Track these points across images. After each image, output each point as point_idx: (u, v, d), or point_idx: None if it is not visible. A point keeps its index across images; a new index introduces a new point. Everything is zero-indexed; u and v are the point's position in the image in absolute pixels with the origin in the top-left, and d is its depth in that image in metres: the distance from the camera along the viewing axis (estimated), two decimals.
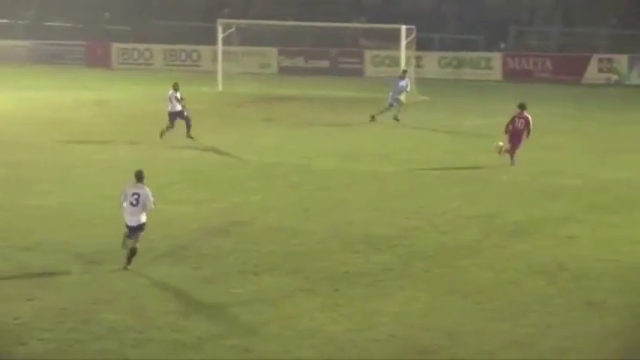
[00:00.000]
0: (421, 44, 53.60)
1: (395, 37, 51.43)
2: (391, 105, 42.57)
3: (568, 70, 56.43)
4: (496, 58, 58.29)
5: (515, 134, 34.33)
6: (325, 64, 59.73)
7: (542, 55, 58.23)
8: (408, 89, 43.58)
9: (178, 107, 38.75)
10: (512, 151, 34.16)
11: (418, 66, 53.98)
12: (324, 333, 18.85)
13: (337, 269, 22.65)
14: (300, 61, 59.83)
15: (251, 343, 18.42)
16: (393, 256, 23.71)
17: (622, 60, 56.04)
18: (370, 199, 29.14)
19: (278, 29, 58.64)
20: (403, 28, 50.92)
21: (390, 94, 42.66)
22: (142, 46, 63.10)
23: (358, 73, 58.66)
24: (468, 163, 34.38)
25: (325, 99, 49.59)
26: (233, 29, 53.92)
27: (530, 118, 34.38)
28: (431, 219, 27.00)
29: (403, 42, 50.72)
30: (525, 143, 34.23)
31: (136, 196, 22.66)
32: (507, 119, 34.25)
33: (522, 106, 34.79)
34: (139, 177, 23.01)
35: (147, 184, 22.94)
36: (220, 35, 53.55)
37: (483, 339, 18.61)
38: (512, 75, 57.25)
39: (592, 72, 56.26)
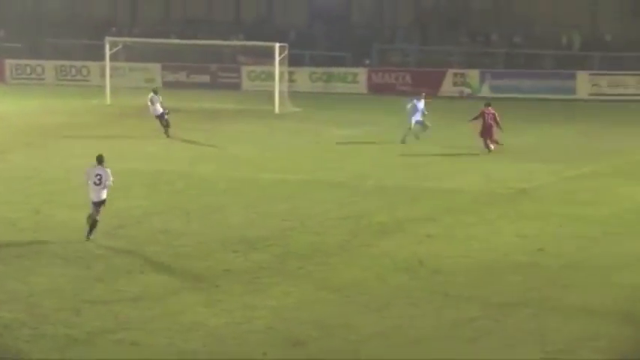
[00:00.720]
0: (293, 60, 53.70)
1: (269, 54, 51.49)
2: (415, 125, 40.34)
3: (426, 84, 56.80)
4: (362, 73, 58.64)
5: (487, 127, 37.84)
6: (206, 78, 59.49)
7: (403, 70, 58.75)
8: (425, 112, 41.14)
9: (160, 110, 41.27)
10: (485, 139, 37.82)
11: (291, 80, 54.10)
12: (206, 326, 18.80)
13: (218, 268, 22.61)
14: (182, 76, 59.48)
15: (138, 336, 18.28)
16: (269, 255, 23.74)
17: (474, 74, 56.79)
18: (248, 203, 29.13)
19: (162, 47, 58.23)
20: (277, 45, 51.00)
21: (410, 116, 40.41)
22: (34, 62, 62.16)
23: (236, 87, 58.54)
24: (337, 170, 34.56)
25: (206, 111, 49.43)
26: (120, 47, 53.46)
27: (495, 112, 38.00)
28: (304, 221, 27.08)
29: (277, 58, 50.81)
30: (498, 132, 37.79)
31: (99, 177, 24.67)
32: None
33: (488, 104, 38.79)
34: (100, 160, 25.06)
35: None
36: (108, 52, 53.07)
37: (351, 330, 18.72)
38: (376, 88, 57.66)
39: (447, 85, 56.93)
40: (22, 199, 29.30)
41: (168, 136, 41.08)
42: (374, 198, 30.07)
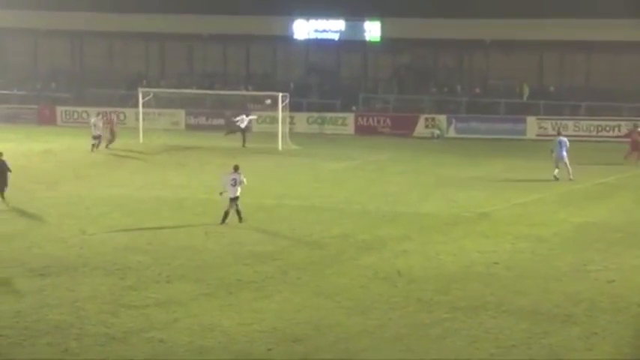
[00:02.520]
0: (293, 107, 53.72)
1: (274, 101, 51.53)
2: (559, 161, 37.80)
3: (402, 126, 57.01)
4: (350, 117, 58.62)
5: (636, 145, 41.44)
6: (221, 122, 59.33)
7: (384, 114, 58.74)
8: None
9: (243, 125, 49.83)
10: (636, 155, 41.26)
11: (291, 123, 54.09)
12: (221, 327, 18.73)
13: (231, 278, 22.54)
14: (202, 120, 59.36)
15: (165, 335, 18.22)
16: (274, 267, 23.67)
17: (442, 119, 56.80)
18: (255, 224, 29.03)
19: (185, 96, 58.35)
20: (280, 95, 51.06)
21: (558, 153, 37.92)
22: (80, 109, 61.97)
23: (246, 129, 58.42)
24: (329, 196, 34.49)
25: (222, 148, 49.41)
26: (151, 96, 53.46)
27: None
28: (301, 239, 27.03)
29: (280, 105, 50.83)
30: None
31: (234, 180, 28.60)
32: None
33: (636, 125, 42.64)
34: (236, 168, 29.06)
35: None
36: (141, 100, 53.11)
37: (341, 329, 18.67)
38: (361, 130, 57.65)
39: (420, 128, 56.87)
40: (70, 221, 29.22)
41: (244, 146, 48.82)
42: (358, 220, 30.02)
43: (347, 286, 21.88)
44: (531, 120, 55.24)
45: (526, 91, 58.39)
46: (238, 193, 28.62)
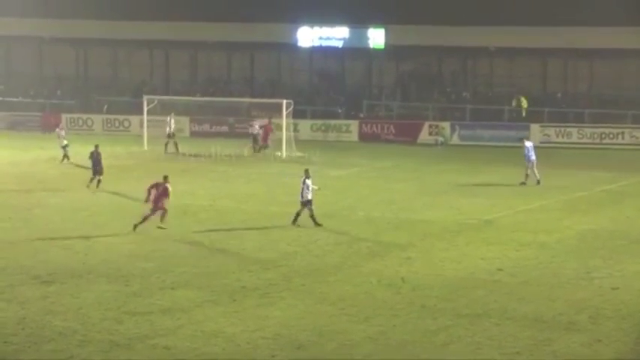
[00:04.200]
0: (297, 114, 53.80)
1: (278, 108, 51.58)
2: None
3: (406, 133, 57.02)
4: (354, 124, 58.64)
5: None
6: (225, 129, 59.50)
7: (388, 122, 58.77)
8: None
9: (255, 132, 50.57)
10: None
11: (295, 130, 54.11)
12: (225, 333, 18.75)
13: (235, 284, 22.56)
14: (206, 127, 59.48)
15: (169, 341, 18.24)
16: (278, 274, 23.68)
17: (446, 126, 56.86)
18: (260, 231, 29.07)
19: (189, 103, 58.40)
20: (284, 101, 51.09)
21: (529, 157, 39.04)
22: (85, 116, 62.18)
23: (250, 135, 58.48)
24: (333, 203, 34.39)
25: (225, 155, 49.47)
26: (155, 103, 53.58)
27: None
28: (306, 245, 27.04)
29: (284, 112, 50.89)
30: None
31: (302, 185, 29.32)
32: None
33: None
34: (307, 174, 29.67)
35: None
36: (145, 107, 53.20)
37: (345, 336, 18.67)
38: (365, 137, 57.67)
39: (424, 135, 56.89)
40: (75, 228, 29.26)
41: (257, 151, 49.49)
42: (363, 227, 30.02)
43: (351, 292, 21.89)
44: (535, 127, 55.25)
45: (524, 104, 57.96)
46: (310, 197, 29.37)
